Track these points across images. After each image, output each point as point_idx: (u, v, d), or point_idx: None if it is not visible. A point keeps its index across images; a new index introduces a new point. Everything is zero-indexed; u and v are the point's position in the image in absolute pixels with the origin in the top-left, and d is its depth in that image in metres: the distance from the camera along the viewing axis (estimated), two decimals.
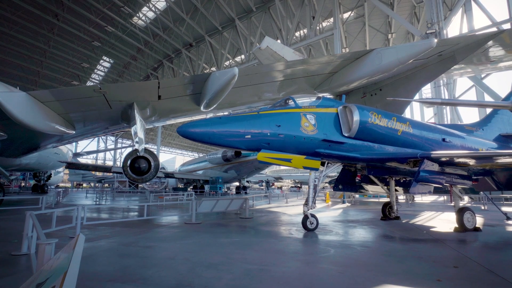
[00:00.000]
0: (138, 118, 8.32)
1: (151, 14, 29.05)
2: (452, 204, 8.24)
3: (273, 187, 52.02)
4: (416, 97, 10.29)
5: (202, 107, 8.96)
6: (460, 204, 7.87)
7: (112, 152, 61.56)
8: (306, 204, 7.73)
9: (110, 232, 7.29)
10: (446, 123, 19.35)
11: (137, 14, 28.74)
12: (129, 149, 32.42)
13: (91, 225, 8.13)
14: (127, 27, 29.25)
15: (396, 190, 10.40)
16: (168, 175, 30.51)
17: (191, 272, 3.90)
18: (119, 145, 61.68)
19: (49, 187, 30.93)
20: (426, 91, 26.75)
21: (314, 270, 4.12)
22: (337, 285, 3.49)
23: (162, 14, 28.23)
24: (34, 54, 31.27)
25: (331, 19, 25.57)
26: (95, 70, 38.77)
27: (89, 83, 38.54)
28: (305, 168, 7.35)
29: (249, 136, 6.53)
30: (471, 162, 6.99)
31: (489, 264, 4.38)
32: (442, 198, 21.41)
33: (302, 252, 5.43)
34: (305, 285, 3.45)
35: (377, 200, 21.22)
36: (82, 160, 44.03)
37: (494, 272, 3.98)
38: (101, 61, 37.11)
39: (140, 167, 12.99)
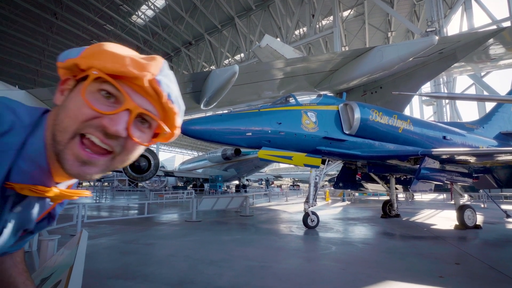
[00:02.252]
0: None
1: (150, 13, 28.94)
2: (452, 202, 8.25)
3: (272, 185, 52.04)
4: (416, 92, 10.29)
5: (202, 105, 8.93)
6: (461, 202, 7.88)
7: None
8: (307, 201, 7.73)
9: (111, 230, 7.28)
10: (445, 121, 19.35)
11: (136, 13, 28.65)
12: None
13: (92, 223, 8.12)
14: (126, 26, 29.17)
15: (396, 188, 10.41)
16: (168, 173, 30.48)
17: (192, 269, 3.89)
18: None
19: None
20: (426, 89, 26.68)
21: (315, 267, 4.12)
22: (339, 281, 3.49)
23: (161, 12, 28.14)
24: (33, 52, 31.15)
25: (331, 17, 25.50)
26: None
27: None
28: (305, 165, 7.34)
29: (250, 134, 6.50)
30: (472, 159, 7.00)
31: (491, 261, 4.39)
32: (442, 196, 21.44)
33: (303, 249, 5.43)
34: (306, 282, 3.45)
35: (376, 198, 21.25)
36: None
37: (496, 268, 3.98)
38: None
39: (140, 165, 12.96)
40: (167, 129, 0.67)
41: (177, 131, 0.72)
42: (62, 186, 0.72)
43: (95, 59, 0.60)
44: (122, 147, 0.63)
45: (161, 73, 0.62)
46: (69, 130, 0.58)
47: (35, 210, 0.73)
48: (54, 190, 0.64)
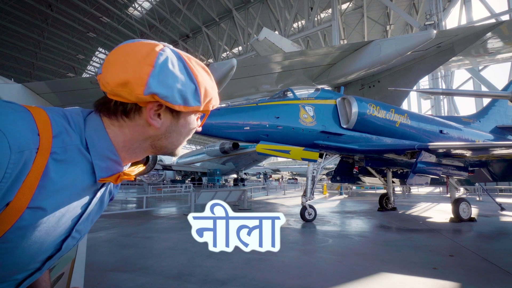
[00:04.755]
0: None
1: (147, 5, 28.57)
2: (448, 195, 8.34)
3: (270, 179, 52.23)
4: (412, 88, 10.31)
5: None
6: (456, 195, 7.97)
7: None
8: (304, 195, 7.80)
9: (109, 223, 7.32)
10: (443, 115, 19.42)
11: (133, 5, 28.27)
12: None
13: None
14: (122, 18, 28.80)
15: (393, 182, 10.50)
16: (166, 167, 30.48)
17: (191, 262, 3.95)
18: None
19: None
20: (424, 83, 26.67)
21: (312, 259, 4.19)
22: (335, 273, 3.56)
23: (158, 4, 27.78)
24: (28, 45, 30.75)
25: (329, 10, 25.30)
26: (91, 61, 38.28)
27: (85, 75, 38.08)
28: (303, 159, 7.39)
29: (248, 128, 6.52)
30: (468, 153, 7.06)
31: (484, 252, 4.48)
32: (438, 189, 21.64)
33: (300, 242, 5.51)
34: (304, 274, 3.51)
35: (373, 191, 21.42)
36: None
37: (488, 260, 4.07)
38: (97, 52, 36.59)
39: None
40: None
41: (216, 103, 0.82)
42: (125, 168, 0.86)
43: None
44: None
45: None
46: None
47: (106, 193, 0.87)
48: (127, 173, 0.80)
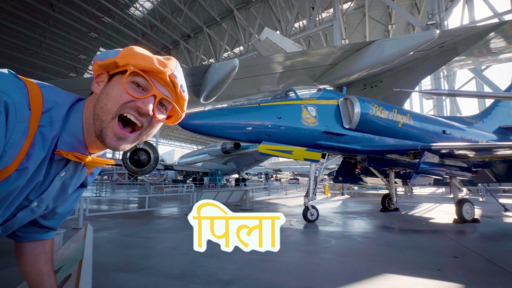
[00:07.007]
0: None
1: (148, 5, 28.60)
2: (451, 196, 8.31)
3: (272, 179, 52.20)
4: (416, 89, 10.28)
5: (201, 99, 8.91)
6: (459, 196, 7.94)
7: None
8: (306, 195, 7.78)
9: (112, 223, 7.33)
10: (445, 115, 19.35)
11: (134, 5, 28.31)
12: None
13: (93, 217, 8.18)
14: (124, 18, 28.85)
15: (395, 182, 10.46)
16: (168, 167, 30.49)
17: (194, 262, 3.94)
18: None
19: None
20: (426, 83, 26.49)
21: (315, 260, 4.18)
22: (339, 274, 3.54)
23: (159, 4, 27.80)
24: (30, 45, 30.83)
25: (331, 10, 25.26)
26: (92, 62, 38.33)
27: (86, 75, 38.18)
28: (305, 160, 7.37)
29: (250, 128, 6.51)
30: (471, 154, 7.03)
31: (488, 254, 4.45)
32: (441, 190, 21.57)
33: (303, 242, 5.49)
34: (307, 274, 3.50)
35: (376, 192, 21.37)
36: None
37: (493, 261, 4.04)
38: (98, 52, 36.54)
39: (139, 159, 12.95)
40: (180, 110, 0.90)
41: (184, 115, 0.94)
42: (94, 156, 0.93)
43: (131, 58, 0.79)
44: (148, 123, 0.85)
45: (176, 69, 0.86)
46: (112, 111, 0.78)
47: (74, 177, 0.94)
48: (89, 158, 0.86)
